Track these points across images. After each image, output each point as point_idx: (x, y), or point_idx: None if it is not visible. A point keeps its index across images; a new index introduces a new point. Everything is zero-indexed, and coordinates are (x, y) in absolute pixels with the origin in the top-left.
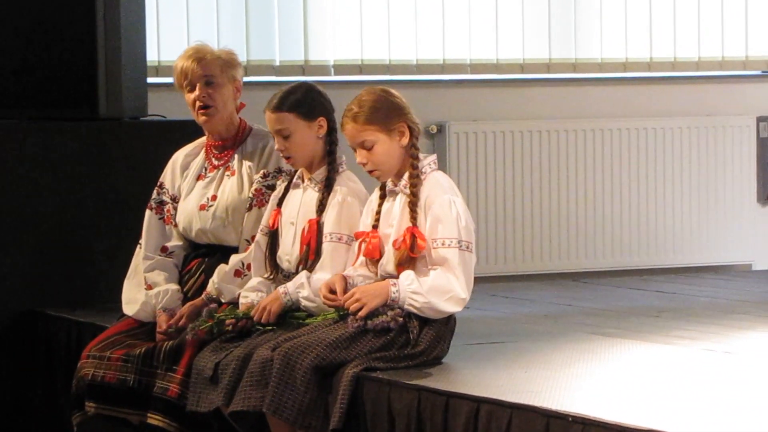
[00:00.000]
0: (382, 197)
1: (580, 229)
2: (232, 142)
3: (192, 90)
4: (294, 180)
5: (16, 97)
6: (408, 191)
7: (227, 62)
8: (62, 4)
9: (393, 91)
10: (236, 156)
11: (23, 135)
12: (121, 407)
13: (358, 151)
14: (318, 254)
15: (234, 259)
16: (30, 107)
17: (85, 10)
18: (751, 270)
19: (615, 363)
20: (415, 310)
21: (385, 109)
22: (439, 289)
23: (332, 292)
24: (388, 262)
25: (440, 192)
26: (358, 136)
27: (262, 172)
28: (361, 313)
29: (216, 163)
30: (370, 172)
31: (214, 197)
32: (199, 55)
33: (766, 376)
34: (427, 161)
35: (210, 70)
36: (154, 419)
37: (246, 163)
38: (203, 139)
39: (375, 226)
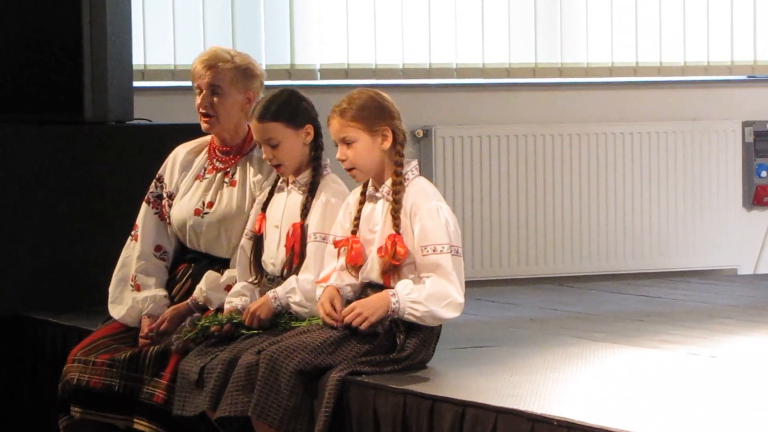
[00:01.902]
0: (362, 202)
1: (565, 233)
2: (237, 150)
3: (200, 94)
4: (278, 184)
5: (0, 101)
6: (390, 198)
7: (242, 72)
8: (48, 8)
9: (385, 95)
10: (239, 166)
11: (8, 139)
12: (106, 412)
13: (339, 147)
14: (303, 257)
15: (228, 273)
16: (15, 111)
17: (71, 14)
18: (736, 274)
19: (600, 367)
20: (415, 320)
21: (372, 110)
22: (436, 296)
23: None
24: (371, 269)
25: (426, 199)
26: (342, 131)
27: (267, 191)
28: (363, 326)
29: (218, 165)
30: (349, 170)
31: (211, 204)
32: (212, 62)
33: (750, 380)
34: (409, 167)
35: (218, 80)
36: (140, 425)
37: (251, 178)
38: (208, 138)
39: (354, 232)
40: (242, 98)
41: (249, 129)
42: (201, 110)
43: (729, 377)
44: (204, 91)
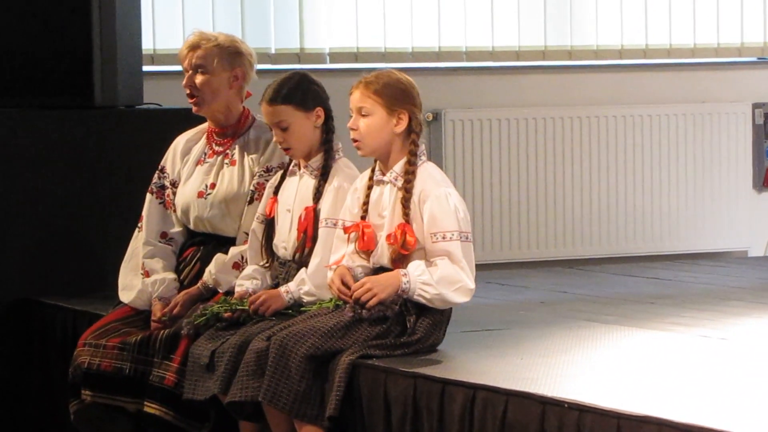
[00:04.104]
0: (370, 187)
1: (575, 216)
2: (232, 130)
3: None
4: (290, 167)
5: (11, 86)
6: (400, 185)
7: (225, 50)
8: None
9: (414, 83)
10: (237, 146)
11: (18, 123)
12: (117, 395)
13: (354, 116)
14: (314, 242)
15: (234, 251)
16: (25, 95)
17: None
18: (746, 257)
19: (611, 350)
20: (425, 301)
21: (396, 90)
22: (448, 279)
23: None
24: (381, 254)
25: (434, 185)
26: (361, 100)
27: (265, 166)
28: (372, 303)
29: (216, 149)
30: (354, 141)
31: (213, 185)
32: (194, 43)
33: (760, 362)
34: (417, 153)
35: (201, 59)
36: (150, 408)
37: (248, 155)
38: (206, 124)
39: (363, 217)
40: (228, 75)
41: (244, 109)
42: (186, 91)
43: (739, 359)
44: (189, 72)
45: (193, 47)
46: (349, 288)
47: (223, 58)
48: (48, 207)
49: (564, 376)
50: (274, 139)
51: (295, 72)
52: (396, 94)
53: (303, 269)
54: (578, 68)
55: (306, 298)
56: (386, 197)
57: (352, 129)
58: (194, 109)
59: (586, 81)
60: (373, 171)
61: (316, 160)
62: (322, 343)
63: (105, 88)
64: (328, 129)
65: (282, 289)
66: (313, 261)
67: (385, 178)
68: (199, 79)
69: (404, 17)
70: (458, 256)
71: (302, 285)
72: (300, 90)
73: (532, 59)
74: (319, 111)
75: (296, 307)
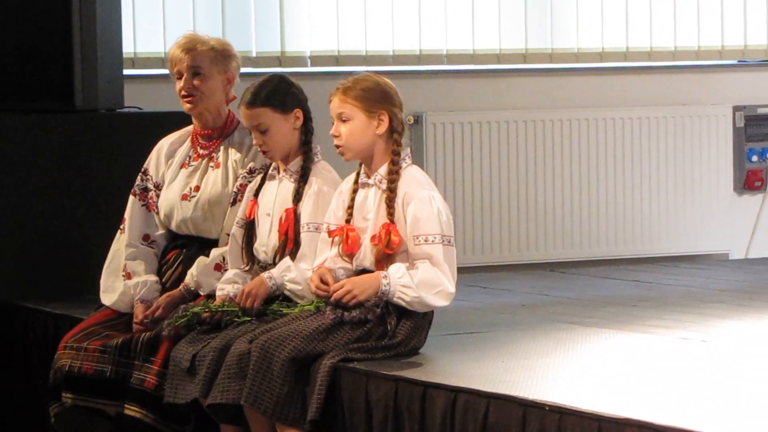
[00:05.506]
0: (355, 191)
1: (557, 219)
2: (219, 133)
3: (180, 79)
4: (269, 171)
5: None
6: (385, 186)
7: (219, 53)
8: None
9: (391, 83)
10: (222, 148)
11: None
12: (97, 398)
13: (335, 123)
14: (296, 243)
15: (215, 252)
16: (5, 99)
17: (61, 2)
18: (727, 259)
19: (592, 352)
20: (404, 304)
21: (374, 92)
22: (428, 282)
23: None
24: (364, 256)
25: (418, 188)
26: (341, 106)
27: (248, 167)
28: (351, 303)
29: (201, 152)
30: (337, 147)
31: (197, 188)
32: (189, 46)
33: (741, 364)
34: (402, 155)
35: (197, 61)
36: (131, 410)
37: (232, 157)
38: (190, 127)
39: (348, 220)
40: (222, 78)
41: (230, 111)
42: (183, 92)
43: (720, 361)
44: (185, 74)
45: (188, 50)
46: (328, 287)
47: (218, 61)
48: (29, 210)
49: (545, 379)
50: (254, 142)
51: (274, 74)
52: (374, 97)
53: (287, 257)
54: (559, 71)
55: (288, 285)
56: (371, 200)
57: (335, 136)
58: (188, 107)
59: (566, 84)
60: (358, 174)
61: (295, 163)
62: (303, 346)
63: (86, 91)
64: (306, 131)
65: (265, 275)
66: (301, 263)
67: (370, 181)
68: (196, 81)
69: (385, 20)
70: (440, 259)
71: (287, 272)
72: (278, 92)
73: (513, 62)
74: (298, 113)
75: (274, 303)
